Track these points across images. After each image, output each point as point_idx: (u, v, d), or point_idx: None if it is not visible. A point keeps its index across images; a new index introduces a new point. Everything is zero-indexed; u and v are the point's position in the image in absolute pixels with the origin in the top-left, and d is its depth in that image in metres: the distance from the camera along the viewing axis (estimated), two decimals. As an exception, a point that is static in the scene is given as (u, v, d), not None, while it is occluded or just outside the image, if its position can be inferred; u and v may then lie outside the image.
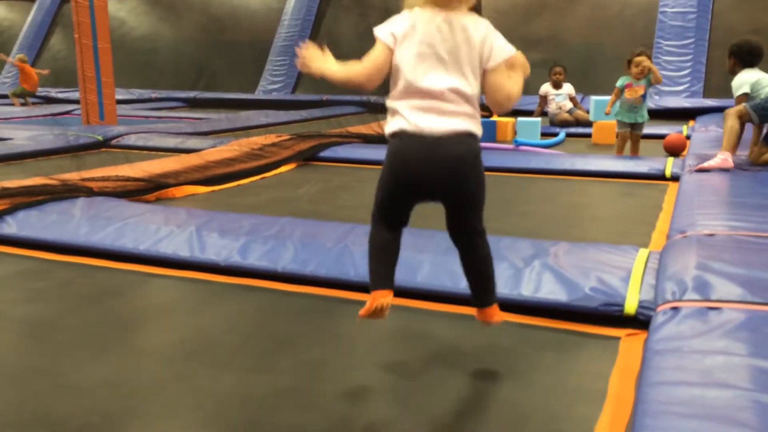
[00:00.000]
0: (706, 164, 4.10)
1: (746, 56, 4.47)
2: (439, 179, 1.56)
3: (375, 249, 1.67)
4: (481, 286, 1.68)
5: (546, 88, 7.91)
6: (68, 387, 1.68)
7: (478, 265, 1.67)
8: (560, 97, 7.85)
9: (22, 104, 11.55)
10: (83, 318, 2.16)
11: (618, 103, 5.31)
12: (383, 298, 1.61)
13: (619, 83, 5.27)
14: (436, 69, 1.54)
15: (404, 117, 1.55)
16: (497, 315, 1.70)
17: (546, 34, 11.08)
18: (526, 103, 9.63)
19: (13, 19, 15.95)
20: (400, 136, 1.55)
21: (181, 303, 2.33)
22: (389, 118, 1.60)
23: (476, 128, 1.58)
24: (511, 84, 1.62)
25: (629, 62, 5.21)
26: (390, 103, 1.60)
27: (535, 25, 11.25)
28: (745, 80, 4.41)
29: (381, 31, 1.59)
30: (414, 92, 1.55)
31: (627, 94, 5.21)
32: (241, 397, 1.63)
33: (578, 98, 8.24)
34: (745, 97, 4.35)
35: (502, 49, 1.60)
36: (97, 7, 7.19)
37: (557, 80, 7.82)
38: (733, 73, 4.57)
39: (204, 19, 14.12)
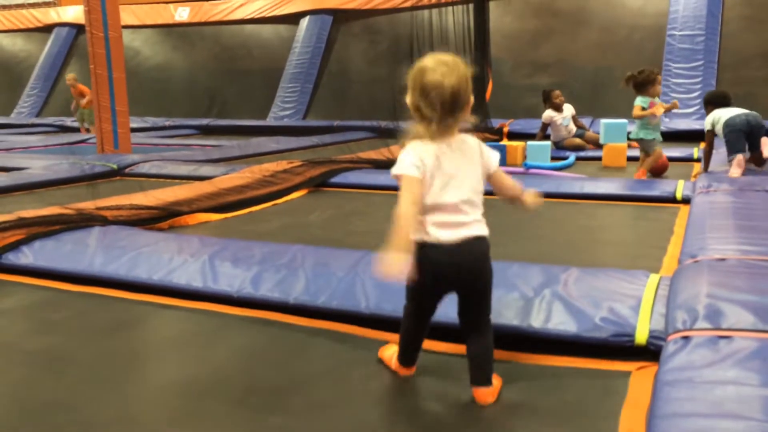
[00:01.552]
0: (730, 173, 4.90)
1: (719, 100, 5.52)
2: (460, 278, 1.81)
3: (408, 335, 1.94)
4: (483, 368, 1.83)
5: (550, 114, 7.77)
6: (83, 423, 1.69)
7: (484, 351, 1.84)
8: (566, 120, 7.83)
9: (87, 129, 11.17)
10: (98, 351, 2.18)
11: (640, 124, 5.59)
12: (406, 373, 1.97)
13: (643, 103, 5.47)
14: (450, 186, 1.78)
15: (427, 231, 1.78)
16: (492, 395, 1.82)
17: (555, 59, 11.16)
18: (534, 127, 9.67)
19: (30, 50, 16.28)
20: (424, 245, 1.78)
21: (195, 336, 2.34)
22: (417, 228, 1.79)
23: (485, 231, 1.83)
24: (508, 180, 1.95)
25: (643, 83, 5.42)
26: (419, 217, 1.79)
27: (543, 49, 11.33)
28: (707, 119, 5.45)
29: (408, 169, 1.76)
30: (435, 208, 1.77)
31: (657, 111, 5.49)
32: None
33: (587, 122, 8.25)
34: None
35: (492, 155, 1.90)
36: (112, 38, 7.33)
37: (560, 103, 7.80)
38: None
39: (216, 48, 14.35)
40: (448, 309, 1.89)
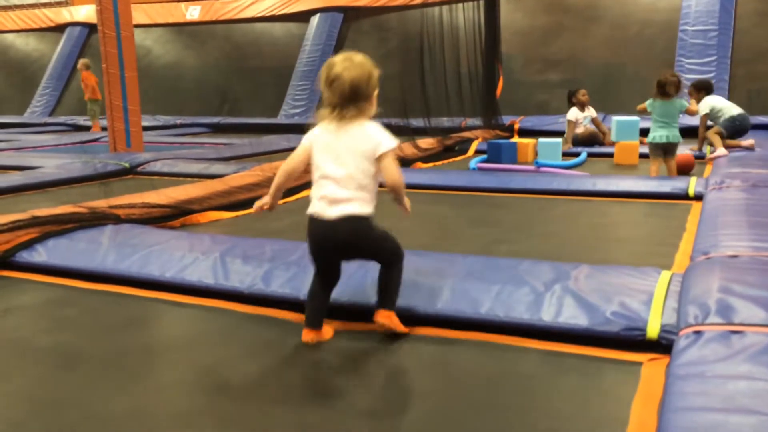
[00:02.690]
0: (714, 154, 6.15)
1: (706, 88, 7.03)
2: (338, 251, 2.16)
3: (309, 295, 2.22)
4: (384, 293, 2.16)
5: (576, 113, 7.76)
6: (95, 418, 1.71)
7: (386, 281, 2.17)
8: (586, 120, 7.84)
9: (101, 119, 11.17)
10: (110, 348, 2.20)
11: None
12: (307, 336, 2.16)
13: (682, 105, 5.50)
14: (336, 162, 2.10)
15: (311, 204, 2.15)
16: (388, 318, 2.12)
17: (566, 55, 11.12)
18: (545, 124, 9.65)
19: (43, 49, 16.42)
20: (309, 218, 2.16)
21: (206, 333, 2.35)
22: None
23: (365, 210, 2.10)
24: (390, 172, 2.12)
25: (666, 84, 5.25)
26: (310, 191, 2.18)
27: (554, 46, 11.29)
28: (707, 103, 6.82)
29: (302, 140, 2.21)
30: (321, 178, 2.12)
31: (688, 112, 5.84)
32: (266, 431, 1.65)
33: (600, 117, 8.23)
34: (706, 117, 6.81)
35: (382, 143, 2.09)
36: (124, 37, 7.38)
37: (585, 102, 7.79)
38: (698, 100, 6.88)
39: (227, 47, 14.40)
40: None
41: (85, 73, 11.59)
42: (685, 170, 5.78)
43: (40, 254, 3.11)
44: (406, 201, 2.19)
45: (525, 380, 1.88)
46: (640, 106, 5.58)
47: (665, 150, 5.37)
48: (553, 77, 11.08)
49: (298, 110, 12.72)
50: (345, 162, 2.07)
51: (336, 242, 2.09)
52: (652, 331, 2.00)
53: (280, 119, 12.50)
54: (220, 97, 13.84)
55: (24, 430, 1.67)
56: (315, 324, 2.17)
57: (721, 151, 6.32)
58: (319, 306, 2.18)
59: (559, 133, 8.43)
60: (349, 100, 2.06)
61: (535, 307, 2.18)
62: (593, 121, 7.91)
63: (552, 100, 10.69)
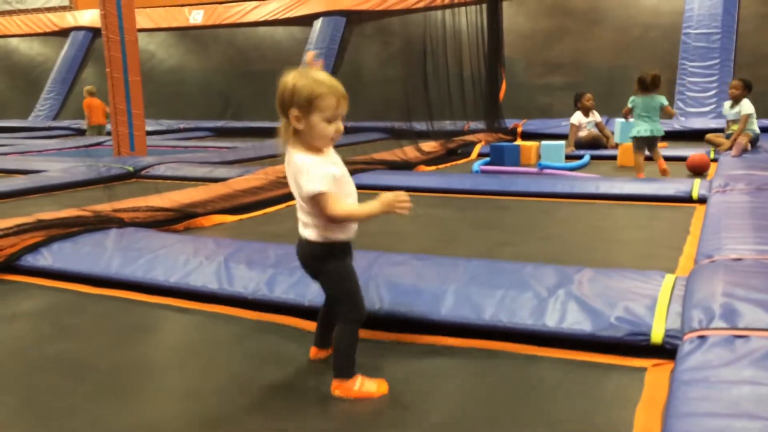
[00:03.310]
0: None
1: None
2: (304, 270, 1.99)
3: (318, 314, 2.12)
4: (334, 357, 1.91)
5: (579, 117, 7.78)
6: (101, 428, 1.70)
7: (335, 342, 1.92)
8: (590, 125, 7.85)
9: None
10: (116, 356, 2.19)
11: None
12: (312, 353, 2.11)
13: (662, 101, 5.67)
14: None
15: None
16: (335, 387, 1.87)
17: (569, 58, 11.12)
18: (548, 127, 9.65)
19: (47, 54, 16.48)
20: None
21: (212, 341, 2.34)
22: None
23: (311, 236, 1.87)
24: (329, 209, 1.80)
25: (646, 80, 5.59)
26: None
27: (557, 49, 11.30)
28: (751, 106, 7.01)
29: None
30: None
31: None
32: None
33: (603, 120, 8.24)
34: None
35: (303, 187, 1.80)
36: (128, 41, 7.41)
37: (591, 106, 7.80)
38: (739, 99, 7.03)
39: (230, 51, 14.44)
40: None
41: (90, 99, 11.54)
42: (699, 170, 5.83)
43: (45, 258, 3.12)
44: (399, 204, 1.80)
45: (529, 387, 1.88)
46: (625, 110, 5.95)
47: (648, 143, 5.71)
48: (555, 80, 11.08)
49: (301, 114, 12.73)
50: (293, 187, 1.87)
51: (300, 262, 1.97)
52: (657, 336, 2.00)
53: (284, 123, 12.51)
54: (223, 102, 13.87)
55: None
56: (320, 344, 2.11)
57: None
58: (322, 325, 2.10)
59: (562, 136, 8.44)
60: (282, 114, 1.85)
61: (539, 312, 2.17)
62: (597, 125, 7.92)
63: (555, 103, 10.70)
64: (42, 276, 3.05)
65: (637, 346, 2.02)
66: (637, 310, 2.11)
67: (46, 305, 2.73)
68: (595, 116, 7.91)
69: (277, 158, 8.01)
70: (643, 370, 1.93)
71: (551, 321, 2.13)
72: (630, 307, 2.12)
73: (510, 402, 1.80)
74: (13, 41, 17.10)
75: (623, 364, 1.98)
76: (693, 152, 6.25)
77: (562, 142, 6.98)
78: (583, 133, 7.78)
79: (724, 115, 7.34)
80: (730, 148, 6.69)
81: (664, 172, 5.66)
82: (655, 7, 10.85)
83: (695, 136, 8.52)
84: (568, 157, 6.99)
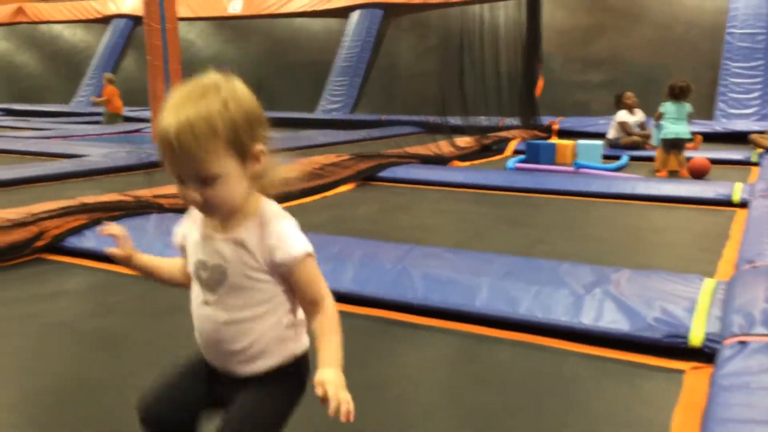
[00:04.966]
0: None
1: None
2: None
3: None
4: None
5: (625, 116, 7.56)
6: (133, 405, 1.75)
7: None
8: (635, 125, 7.64)
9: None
10: (153, 333, 2.26)
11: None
12: None
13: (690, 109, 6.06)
14: None
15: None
16: None
17: (607, 55, 10.96)
18: (585, 125, 9.52)
19: (89, 40, 16.81)
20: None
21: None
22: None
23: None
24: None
25: (677, 89, 6.00)
26: None
27: (595, 45, 11.13)
28: None
29: None
30: None
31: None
32: (303, 419, 1.66)
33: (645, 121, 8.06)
34: None
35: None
36: (168, 30, 7.52)
37: (633, 105, 7.61)
38: None
39: (267, 41, 14.55)
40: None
41: (110, 87, 11.80)
42: (700, 175, 5.71)
43: (89, 240, 3.20)
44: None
45: (563, 382, 1.87)
46: (656, 114, 6.30)
47: (674, 144, 6.01)
48: (593, 77, 10.93)
49: (335, 106, 12.79)
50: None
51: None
52: (695, 339, 1.98)
53: (318, 114, 12.58)
54: (256, 91, 13.92)
55: (67, 408, 1.74)
56: None
57: None
58: None
59: (598, 135, 8.30)
60: None
61: (575, 309, 2.17)
62: (640, 126, 7.70)
63: (592, 101, 10.55)
64: (85, 257, 3.14)
65: (675, 348, 2.00)
66: (675, 312, 2.09)
67: (87, 284, 2.81)
68: (640, 115, 7.68)
69: (310, 149, 8.02)
70: (681, 372, 1.91)
71: (587, 319, 2.12)
72: (669, 309, 2.10)
73: (545, 394, 1.79)
74: (57, 27, 17.48)
75: (660, 365, 1.96)
76: (732, 155, 6.12)
77: (600, 142, 6.87)
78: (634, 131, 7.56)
79: None
80: None
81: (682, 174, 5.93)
82: (698, 4, 10.61)
83: (737, 138, 8.33)
84: (606, 158, 6.89)
